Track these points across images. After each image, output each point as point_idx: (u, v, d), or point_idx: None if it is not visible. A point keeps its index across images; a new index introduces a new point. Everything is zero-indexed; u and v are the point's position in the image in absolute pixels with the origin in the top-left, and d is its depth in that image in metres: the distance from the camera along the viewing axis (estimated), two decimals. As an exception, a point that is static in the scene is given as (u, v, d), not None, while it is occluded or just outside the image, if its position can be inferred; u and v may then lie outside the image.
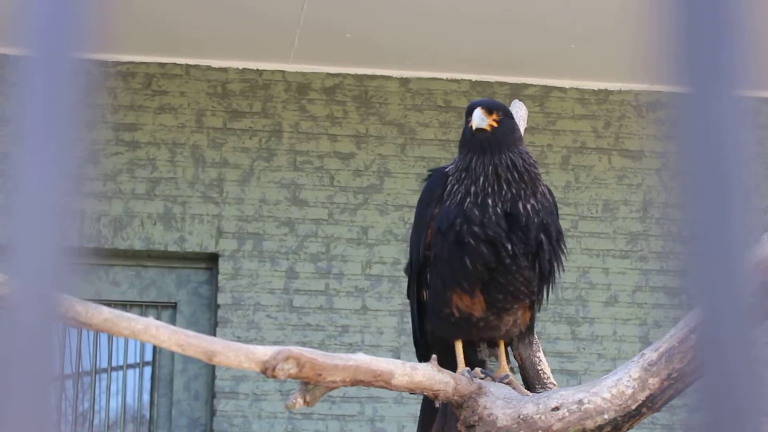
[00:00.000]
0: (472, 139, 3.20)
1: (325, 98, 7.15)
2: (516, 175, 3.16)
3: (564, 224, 6.95)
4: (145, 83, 7.03)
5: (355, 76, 7.20)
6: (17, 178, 0.93)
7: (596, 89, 7.42)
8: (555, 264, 3.20)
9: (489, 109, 3.22)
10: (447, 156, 6.72)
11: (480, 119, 3.17)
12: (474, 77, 7.29)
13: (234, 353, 2.29)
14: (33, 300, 0.91)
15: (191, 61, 7.07)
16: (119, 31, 6.65)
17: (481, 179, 3.15)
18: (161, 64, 7.05)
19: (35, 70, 0.96)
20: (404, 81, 7.24)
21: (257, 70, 7.13)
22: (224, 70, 7.10)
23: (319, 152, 7.07)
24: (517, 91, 7.11)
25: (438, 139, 7.16)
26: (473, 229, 3.10)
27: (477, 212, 3.12)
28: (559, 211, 3.42)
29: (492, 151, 3.17)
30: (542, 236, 3.15)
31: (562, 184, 7.19)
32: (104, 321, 2.15)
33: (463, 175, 3.19)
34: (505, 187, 3.14)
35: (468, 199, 3.15)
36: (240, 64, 7.11)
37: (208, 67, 7.09)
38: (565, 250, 3.24)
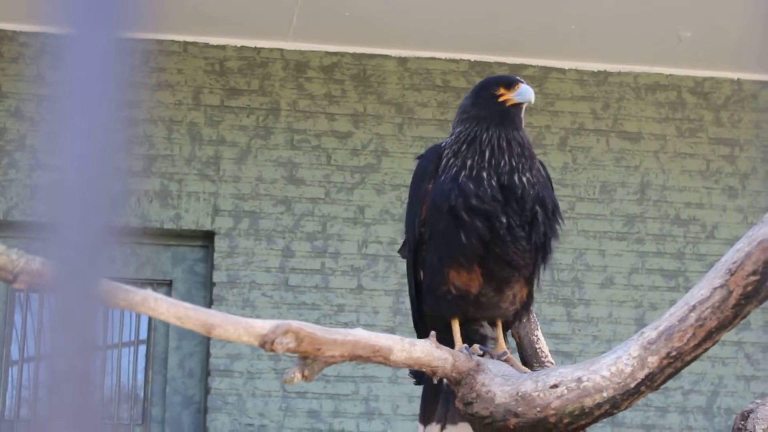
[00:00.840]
0: (502, 111, 3.20)
1: (323, 77, 7.13)
2: (520, 149, 3.17)
3: (561, 206, 6.94)
4: (143, 60, 6.98)
5: (354, 55, 7.18)
6: (60, 157, 0.91)
7: (595, 71, 7.40)
8: (550, 236, 3.19)
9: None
10: (444, 136, 6.68)
11: (533, 94, 3.20)
12: (473, 57, 7.27)
13: (233, 326, 2.27)
14: (75, 280, 0.90)
15: (189, 38, 7.04)
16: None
17: (488, 152, 3.14)
18: (159, 41, 7.02)
19: (73, 49, 0.94)
20: (402, 60, 7.21)
21: (255, 47, 7.10)
22: (222, 47, 7.07)
23: (316, 131, 7.05)
24: (516, 71, 7.08)
25: (436, 119, 7.14)
26: (469, 202, 3.08)
27: (472, 186, 3.10)
28: (557, 193, 3.40)
29: (512, 125, 3.20)
30: (538, 208, 3.14)
31: (559, 166, 7.17)
32: (102, 292, 2.12)
33: (464, 147, 3.17)
34: (506, 159, 3.14)
35: (463, 173, 3.13)
36: (238, 42, 7.08)
37: (206, 45, 7.06)
38: (561, 222, 3.23)
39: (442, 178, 3.17)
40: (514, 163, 3.15)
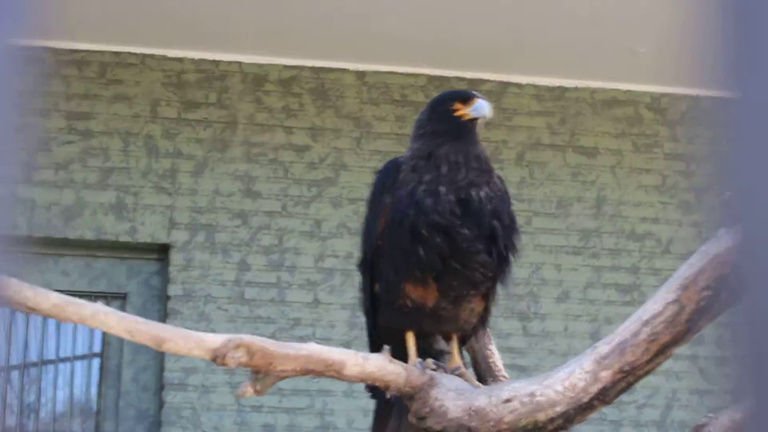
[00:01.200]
0: (458, 126, 3.20)
1: (281, 90, 7.12)
2: (477, 164, 3.17)
3: (518, 220, 6.96)
4: (100, 72, 6.96)
5: (312, 69, 7.17)
6: None
7: (552, 86, 7.43)
8: (509, 250, 3.19)
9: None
10: (402, 150, 6.68)
11: (489, 108, 3.19)
12: (431, 72, 7.28)
13: (184, 340, 2.26)
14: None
15: (147, 51, 7.01)
16: (73, 18, 6.59)
17: (444, 167, 3.14)
18: (116, 53, 6.99)
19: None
20: (361, 74, 7.22)
21: (213, 60, 7.08)
22: (180, 60, 7.05)
23: (273, 144, 7.03)
24: (474, 86, 7.10)
25: (394, 133, 7.14)
26: (428, 218, 3.08)
27: (429, 201, 3.10)
28: (513, 208, 3.41)
29: (467, 139, 3.19)
30: (495, 222, 3.14)
31: (516, 180, 7.19)
32: (53, 306, 2.11)
33: (422, 163, 3.17)
34: (463, 174, 3.13)
35: (420, 188, 3.13)
36: (196, 55, 7.06)
37: (164, 57, 7.03)
38: (518, 237, 3.23)
39: (400, 192, 3.16)
40: (471, 178, 3.15)
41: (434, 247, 3.08)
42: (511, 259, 3.21)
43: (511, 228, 3.19)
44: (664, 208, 7.38)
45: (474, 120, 3.22)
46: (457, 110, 3.22)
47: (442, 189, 3.12)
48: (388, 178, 3.23)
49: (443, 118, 3.22)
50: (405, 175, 3.18)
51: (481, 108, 3.22)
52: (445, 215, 3.08)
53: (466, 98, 3.25)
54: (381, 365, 2.80)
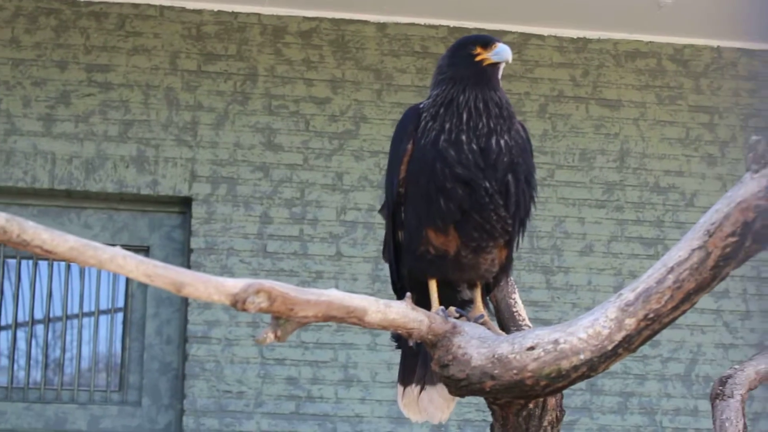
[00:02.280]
0: (479, 71, 3.15)
1: (301, 42, 7.07)
2: (498, 110, 3.12)
3: (540, 173, 6.92)
4: (119, 24, 6.92)
5: (332, 21, 7.12)
6: None
7: (575, 37, 7.35)
8: (523, 204, 3.14)
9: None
10: (424, 102, 6.66)
11: (510, 53, 3.16)
12: (452, 23, 7.21)
13: (203, 284, 2.23)
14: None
15: (165, 2, 6.97)
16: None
17: (465, 114, 3.09)
18: (135, 5, 6.95)
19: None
20: (381, 26, 7.16)
21: (232, 12, 7.03)
22: (199, 12, 7.00)
23: (294, 97, 6.99)
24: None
25: (415, 85, 7.09)
26: (451, 170, 3.04)
27: (453, 152, 3.06)
28: (536, 160, 3.36)
29: (488, 85, 3.14)
30: (509, 177, 3.09)
31: (539, 133, 7.14)
32: (70, 249, 2.09)
33: (441, 110, 3.12)
34: (484, 121, 3.09)
35: (442, 137, 3.08)
36: (215, 6, 7.01)
37: (183, 9, 6.99)
38: (534, 190, 3.18)
39: (422, 142, 3.12)
40: (492, 125, 3.10)
41: (456, 199, 3.05)
42: (526, 213, 3.16)
43: (527, 182, 3.14)
44: (688, 160, 7.32)
45: (495, 65, 3.17)
46: (479, 54, 3.18)
47: (464, 137, 3.07)
48: (408, 124, 3.18)
49: (464, 63, 3.17)
50: (426, 124, 3.14)
51: (503, 52, 3.17)
52: (469, 167, 3.04)
53: (486, 43, 3.20)
54: (403, 312, 2.77)
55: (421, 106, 3.21)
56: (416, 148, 3.14)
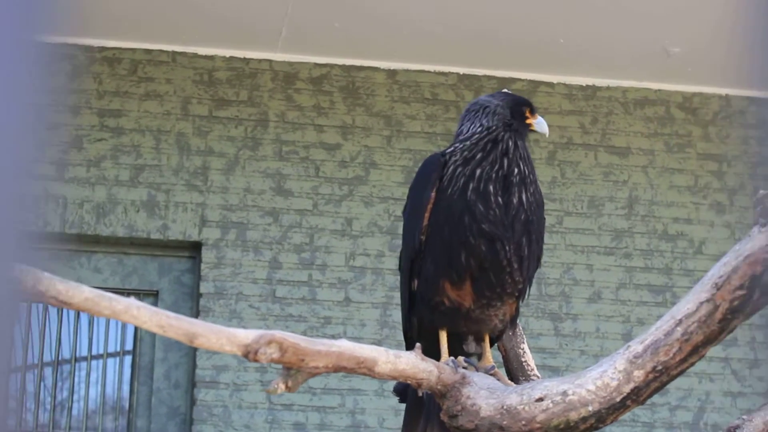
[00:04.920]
0: (524, 130, 3.26)
1: (312, 88, 7.12)
2: (530, 165, 3.21)
3: (549, 220, 6.94)
4: (131, 69, 6.98)
5: (343, 67, 7.17)
6: None
7: (584, 85, 7.40)
8: (534, 263, 3.20)
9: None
10: (433, 149, 6.69)
11: (547, 128, 3.38)
12: (462, 70, 7.26)
13: (216, 336, 2.26)
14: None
15: (178, 48, 7.03)
16: (104, 16, 6.61)
17: (505, 160, 3.15)
18: (147, 51, 7.01)
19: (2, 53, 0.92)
20: (392, 73, 7.21)
21: (244, 58, 7.09)
22: (211, 57, 7.06)
23: (304, 142, 7.03)
24: (505, 85, 7.08)
25: (424, 132, 7.13)
26: (479, 226, 3.07)
27: (481, 207, 3.09)
28: (545, 207, 3.40)
29: (526, 144, 3.26)
30: (524, 239, 3.13)
31: (548, 180, 7.17)
32: (85, 300, 2.11)
33: (478, 153, 3.15)
34: (521, 167, 3.16)
35: (471, 185, 3.11)
36: (227, 52, 7.07)
37: (195, 55, 7.05)
38: (541, 256, 3.26)
39: (449, 191, 3.14)
40: (525, 173, 3.17)
41: (477, 255, 3.07)
42: (532, 276, 3.23)
43: (537, 243, 3.19)
44: (697, 208, 7.34)
45: (532, 131, 3.31)
46: (527, 117, 3.29)
47: (491, 189, 3.10)
48: (432, 172, 3.21)
49: (517, 117, 3.26)
50: (456, 168, 3.16)
51: (543, 124, 3.33)
52: (496, 224, 3.08)
53: (533, 110, 3.33)
54: (413, 363, 2.79)
55: (446, 152, 3.24)
56: (441, 197, 3.16)
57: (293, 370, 2.48)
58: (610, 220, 7.23)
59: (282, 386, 2.44)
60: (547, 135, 3.40)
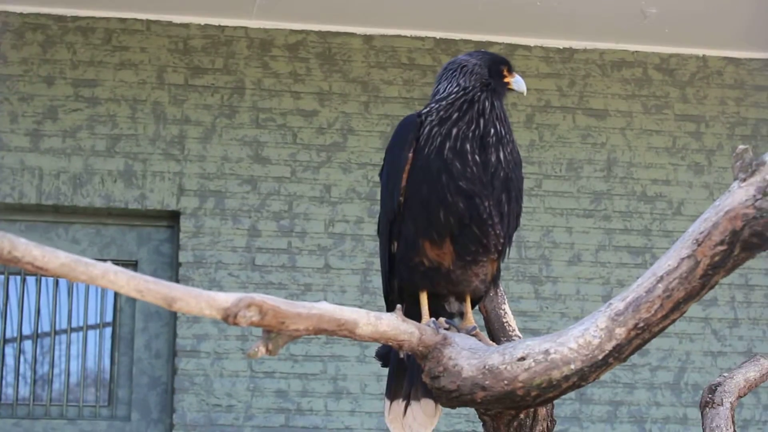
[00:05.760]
0: (502, 89, 3.25)
1: (288, 55, 7.08)
2: (506, 124, 3.18)
3: (527, 183, 6.93)
4: (105, 39, 6.92)
5: (319, 33, 7.13)
6: None
7: (561, 47, 7.38)
8: (514, 220, 3.19)
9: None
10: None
11: (525, 87, 3.34)
12: (438, 35, 7.23)
13: (195, 299, 2.23)
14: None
15: (152, 17, 6.97)
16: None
17: (482, 118, 3.13)
18: (121, 20, 6.95)
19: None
20: (368, 38, 7.17)
21: (219, 26, 7.04)
22: (186, 25, 7.01)
23: (281, 109, 7.00)
24: (483, 48, 7.05)
25: (402, 97, 7.10)
26: (456, 184, 3.05)
27: (458, 165, 3.07)
28: (523, 170, 3.38)
29: (502, 102, 3.24)
30: (503, 195, 3.12)
31: (526, 143, 7.16)
32: (61, 266, 2.09)
33: (455, 112, 3.13)
34: (498, 128, 3.13)
35: (447, 144, 3.09)
36: (202, 20, 7.02)
37: (170, 23, 6.99)
38: (520, 214, 3.25)
39: (425, 150, 3.12)
40: (502, 133, 3.15)
41: (456, 212, 3.06)
42: (512, 234, 3.22)
43: (516, 202, 3.18)
44: (675, 169, 7.34)
45: (510, 90, 3.28)
46: (505, 76, 3.27)
47: (468, 148, 3.08)
48: (408, 132, 3.18)
49: (496, 77, 3.24)
50: (431, 128, 3.14)
51: (521, 83, 3.32)
52: (474, 182, 3.06)
53: (511, 68, 3.30)
54: (394, 324, 2.77)
55: (422, 112, 3.21)
56: (418, 157, 3.14)
57: (273, 333, 2.46)
58: (589, 183, 7.23)
59: (262, 350, 2.42)
60: (524, 93, 3.35)
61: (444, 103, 3.18)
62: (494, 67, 3.28)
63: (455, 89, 3.21)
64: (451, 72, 3.27)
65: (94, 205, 6.71)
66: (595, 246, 7.15)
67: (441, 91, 3.24)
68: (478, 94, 3.18)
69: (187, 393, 6.54)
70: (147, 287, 2.16)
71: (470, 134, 3.11)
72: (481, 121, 3.13)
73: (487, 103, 3.16)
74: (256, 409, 6.58)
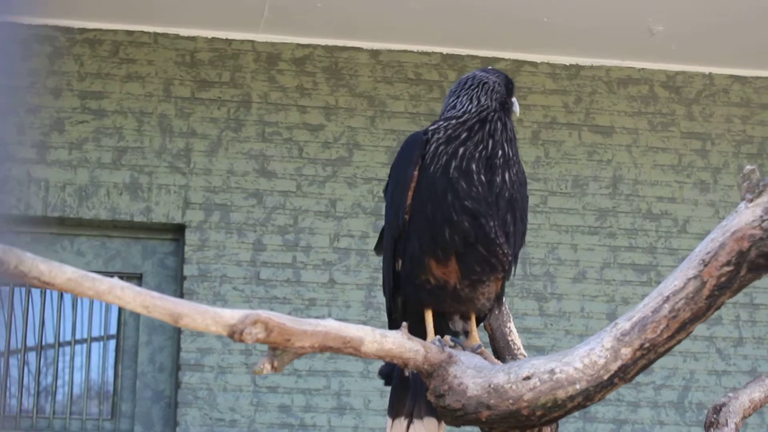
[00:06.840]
0: (507, 110, 3.23)
1: (295, 69, 7.08)
2: (514, 146, 3.19)
3: (533, 200, 6.93)
4: (113, 51, 6.93)
5: (326, 47, 7.13)
6: None
7: (567, 64, 7.38)
8: (520, 239, 3.19)
9: None
10: (416, 129, 6.66)
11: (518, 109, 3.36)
12: (445, 50, 7.24)
13: (201, 316, 2.23)
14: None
15: (159, 30, 6.98)
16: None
17: (490, 142, 3.13)
18: (129, 32, 6.96)
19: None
20: (375, 53, 7.18)
21: (226, 39, 7.05)
22: (193, 38, 7.02)
23: (288, 123, 7.00)
24: (489, 64, 7.04)
25: (408, 112, 7.10)
26: (462, 203, 3.05)
27: (464, 184, 3.06)
28: (528, 187, 3.38)
29: (510, 116, 3.25)
30: (509, 216, 3.12)
31: (531, 160, 7.15)
32: (67, 281, 2.09)
33: (463, 134, 3.13)
34: (505, 149, 3.14)
35: (453, 163, 3.09)
36: (209, 33, 7.03)
37: (177, 36, 7.00)
38: (525, 234, 3.25)
39: (431, 169, 3.12)
40: (510, 155, 3.15)
41: (461, 231, 3.05)
42: (518, 254, 3.22)
43: (521, 221, 3.18)
44: (681, 187, 7.34)
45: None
46: (513, 104, 3.31)
47: (473, 167, 3.08)
48: (414, 150, 3.18)
49: (504, 98, 3.25)
50: (438, 147, 3.14)
51: (517, 106, 3.34)
52: (479, 201, 3.06)
53: (512, 91, 3.34)
54: (399, 342, 2.77)
55: (428, 129, 3.21)
56: (423, 175, 3.13)
57: (279, 350, 2.46)
58: (594, 200, 7.22)
59: (268, 366, 2.42)
60: (517, 115, 3.37)
61: (454, 121, 3.18)
62: (509, 86, 3.29)
63: (474, 106, 3.20)
64: (470, 87, 3.26)
65: (100, 218, 6.71)
66: (600, 263, 7.14)
67: (457, 105, 3.23)
68: (492, 113, 3.18)
69: (190, 407, 6.53)
70: (153, 303, 2.16)
71: (477, 154, 3.11)
72: (490, 142, 3.13)
73: (499, 124, 3.17)
74: (260, 423, 6.57)
